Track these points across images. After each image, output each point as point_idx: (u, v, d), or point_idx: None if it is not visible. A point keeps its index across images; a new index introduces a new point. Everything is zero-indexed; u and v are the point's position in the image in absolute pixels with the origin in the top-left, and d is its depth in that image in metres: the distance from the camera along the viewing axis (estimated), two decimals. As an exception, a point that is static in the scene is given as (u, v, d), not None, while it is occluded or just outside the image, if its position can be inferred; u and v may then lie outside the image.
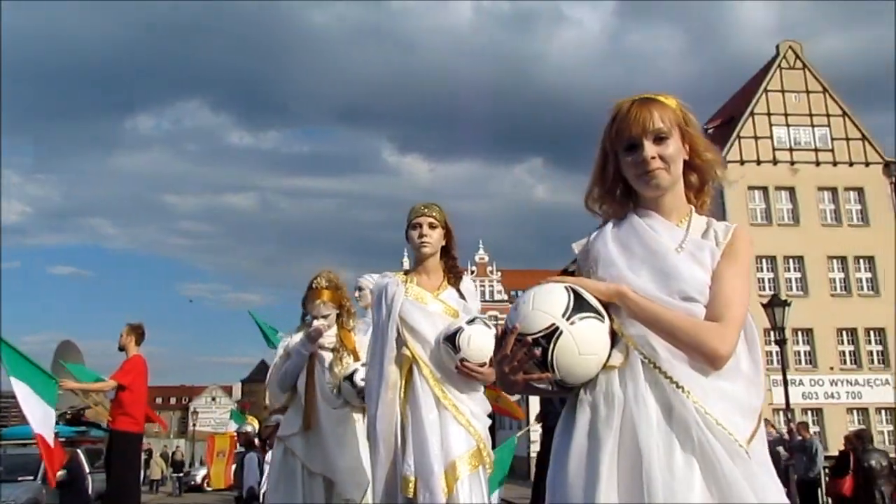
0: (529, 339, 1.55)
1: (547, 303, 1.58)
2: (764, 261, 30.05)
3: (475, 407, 3.17)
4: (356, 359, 4.18)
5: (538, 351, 1.55)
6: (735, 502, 1.45)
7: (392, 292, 3.29)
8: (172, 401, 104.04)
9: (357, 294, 5.01)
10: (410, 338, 3.20)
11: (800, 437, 12.11)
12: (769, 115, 31.82)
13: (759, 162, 31.09)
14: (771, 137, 31.40)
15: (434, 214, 3.36)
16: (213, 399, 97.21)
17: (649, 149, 1.69)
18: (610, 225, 1.79)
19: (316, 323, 4.09)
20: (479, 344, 3.02)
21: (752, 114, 32.14)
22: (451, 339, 3.05)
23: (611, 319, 1.62)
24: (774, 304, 16.24)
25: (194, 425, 46.52)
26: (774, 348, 21.10)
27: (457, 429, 3.07)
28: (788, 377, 28.10)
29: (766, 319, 16.45)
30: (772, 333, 16.92)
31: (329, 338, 4.17)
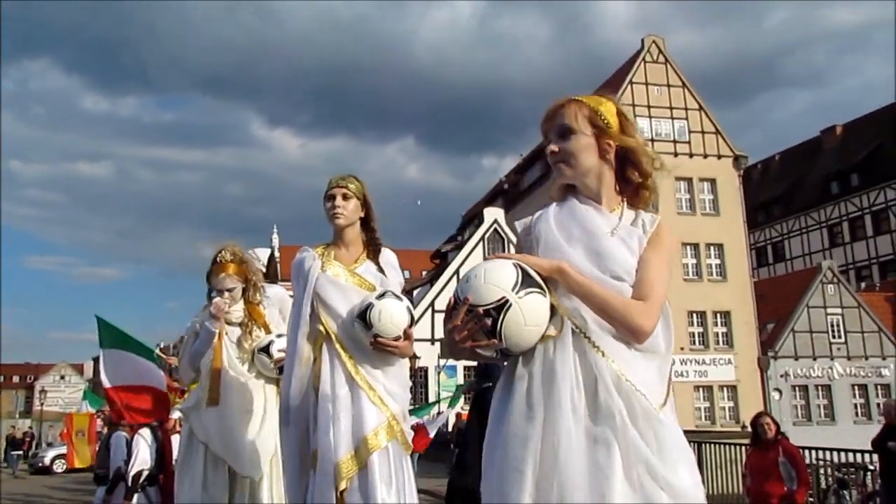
0: (481, 310, 1.68)
1: (498, 277, 1.70)
2: (625, 246, 31.41)
3: (390, 383, 3.12)
4: (267, 332, 4.14)
5: (489, 321, 1.68)
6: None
7: (308, 266, 3.22)
8: (16, 379, 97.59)
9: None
10: (324, 313, 3.15)
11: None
12: (634, 106, 33.08)
13: (623, 151, 32.43)
14: (639, 129, 32.63)
15: (348, 185, 3.29)
16: (63, 377, 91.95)
17: (552, 143, 1.93)
18: (553, 207, 1.96)
19: (216, 300, 3.98)
20: (390, 318, 2.99)
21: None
22: (362, 315, 3.00)
23: (550, 293, 1.75)
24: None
25: (42, 405, 43.72)
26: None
27: (369, 406, 3.03)
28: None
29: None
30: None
31: (236, 312, 4.10)
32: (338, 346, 3.09)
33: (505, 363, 1.84)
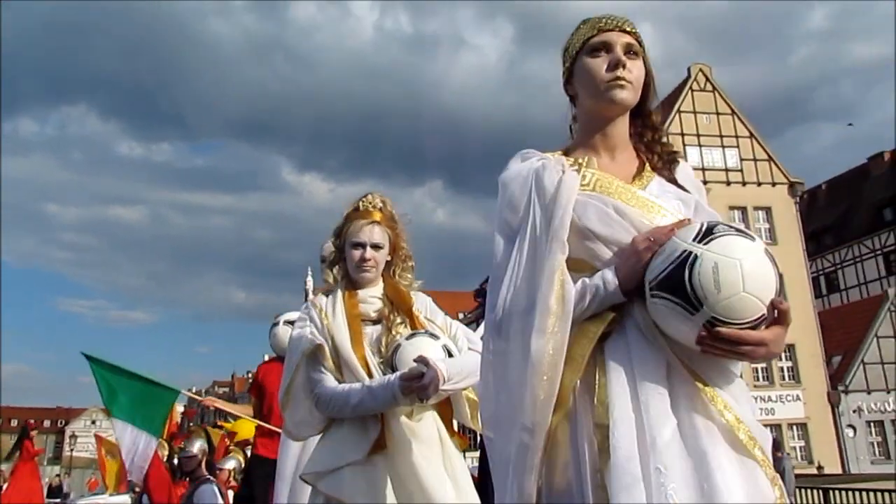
0: None
1: None
2: (677, 278, 30.46)
3: (751, 418, 1.51)
4: (413, 325, 2.65)
5: None
6: None
7: (552, 180, 1.64)
8: (46, 423, 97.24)
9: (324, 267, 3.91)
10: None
11: (770, 455, 11.47)
12: (682, 135, 32.46)
13: (673, 181, 31.67)
14: (684, 157, 31.82)
15: (632, 31, 1.75)
16: (94, 422, 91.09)
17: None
18: None
19: (429, 374, 2.36)
20: (739, 278, 1.41)
21: (666, 133, 32.59)
22: (673, 279, 1.44)
23: None
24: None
25: (71, 450, 42.52)
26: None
27: (738, 464, 1.42)
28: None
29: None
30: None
31: (374, 302, 2.69)
32: (651, 333, 1.53)
33: None
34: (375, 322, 2.66)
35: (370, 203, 2.78)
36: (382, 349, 2.58)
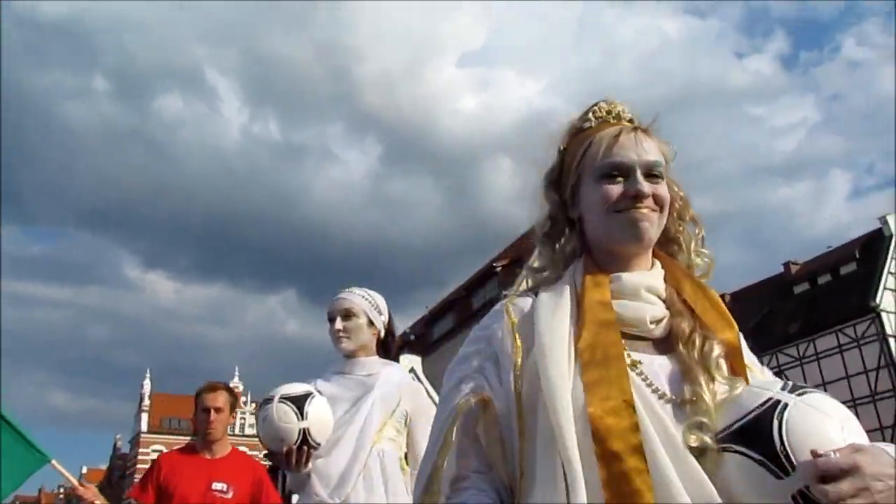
0: None
1: None
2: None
3: None
4: (738, 367, 1.14)
5: None
6: None
7: None
8: None
9: (339, 329, 2.63)
10: None
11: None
12: None
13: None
14: None
15: None
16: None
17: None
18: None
19: None
20: None
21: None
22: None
23: None
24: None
25: None
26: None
27: None
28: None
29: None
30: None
31: (654, 301, 1.19)
32: None
33: None
34: (661, 347, 1.17)
35: (608, 111, 1.30)
36: (702, 416, 1.06)
